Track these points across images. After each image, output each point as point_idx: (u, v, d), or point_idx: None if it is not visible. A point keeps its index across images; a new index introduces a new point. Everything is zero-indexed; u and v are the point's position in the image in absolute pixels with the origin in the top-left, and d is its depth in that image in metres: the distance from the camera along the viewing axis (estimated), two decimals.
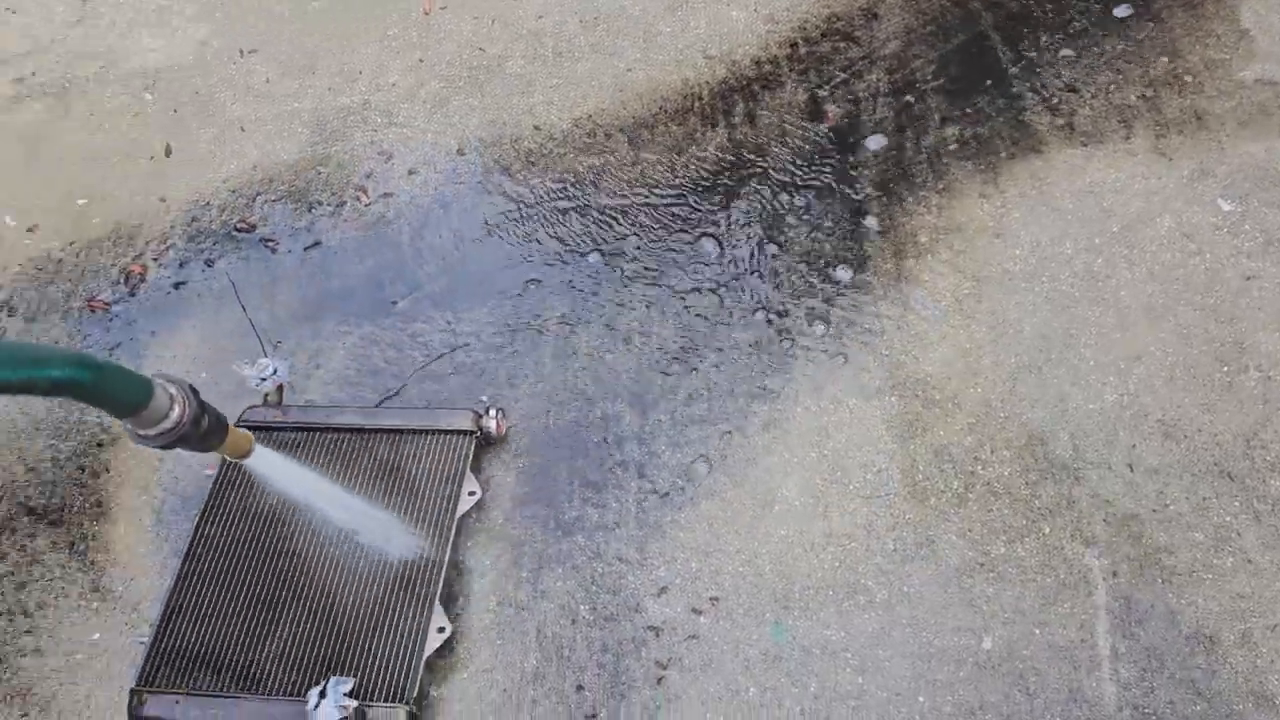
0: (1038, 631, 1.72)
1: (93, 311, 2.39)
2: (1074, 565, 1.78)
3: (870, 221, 2.27)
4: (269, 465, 1.58)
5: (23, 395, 0.71)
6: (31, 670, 1.90)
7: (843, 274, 2.20)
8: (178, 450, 1.25)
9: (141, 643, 1.86)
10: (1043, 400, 1.97)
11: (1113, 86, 2.42)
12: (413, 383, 2.16)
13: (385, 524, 1.86)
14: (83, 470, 2.14)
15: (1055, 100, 2.42)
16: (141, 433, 1.18)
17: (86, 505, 2.09)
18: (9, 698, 1.87)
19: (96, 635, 1.92)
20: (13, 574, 2.02)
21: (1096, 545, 1.79)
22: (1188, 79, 2.40)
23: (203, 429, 1.24)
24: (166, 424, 1.17)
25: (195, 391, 1.24)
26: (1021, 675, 1.68)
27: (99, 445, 2.17)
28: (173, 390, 1.19)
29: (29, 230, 2.57)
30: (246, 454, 1.49)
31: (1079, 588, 1.76)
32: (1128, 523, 1.81)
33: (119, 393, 1.04)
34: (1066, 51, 2.50)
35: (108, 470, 2.13)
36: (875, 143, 2.41)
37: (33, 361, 0.82)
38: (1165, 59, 2.44)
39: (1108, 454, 1.89)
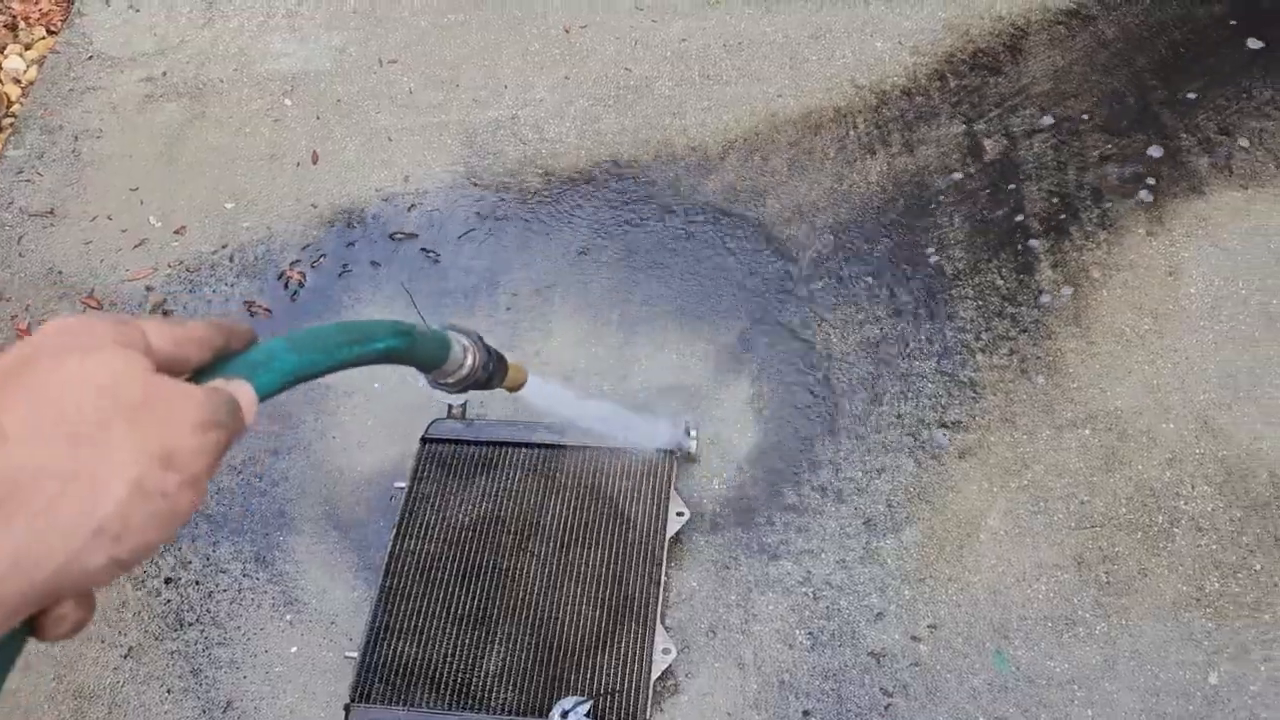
0: (1263, 667, 1.74)
1: (252, 315, 2.35)
2: None
3: (1041, 255, 2.30)
4: (540, 393, 1.59)
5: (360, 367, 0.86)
6: (229, 683, 1.86)
7: (1019, 309, 2.22)
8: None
9: (349, 657, 1.83)
10: (1236, 438, 2.00)
11: (1264, 131, 2.47)
12: (594, 400, 2.15)
13: (654, 424, 1.96)
14: (260, 478, 2.10)
15: (1211, 142, 2.46)
16: (442, 381, 1.27)
17: (268, 514, 2.05)
18: (210, 710, 1.83)
19: (294, 649, 1.89)
20: (199, 583, 1.98)
21: None
22: None
23: (489, 371, 1.34)
24: (463, 372, 1.26)
25: (480, 338, 1.33)
26: (1252, 711, 1.70)
27: (274, 453, 2.14)
28: (465, 341, 1.29)
29: (176, 232, 2.53)
30: (521, 385, 1.54)
31: None
32: None
33: (428, 351, 1.14)
34: (1215, 95, 2.55)
35: (286, 479, 2.10)
36: (1036, 179, 2.44)
37: (366, 337, 0.92)
38: None
39: None
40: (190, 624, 1.93)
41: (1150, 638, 1.79)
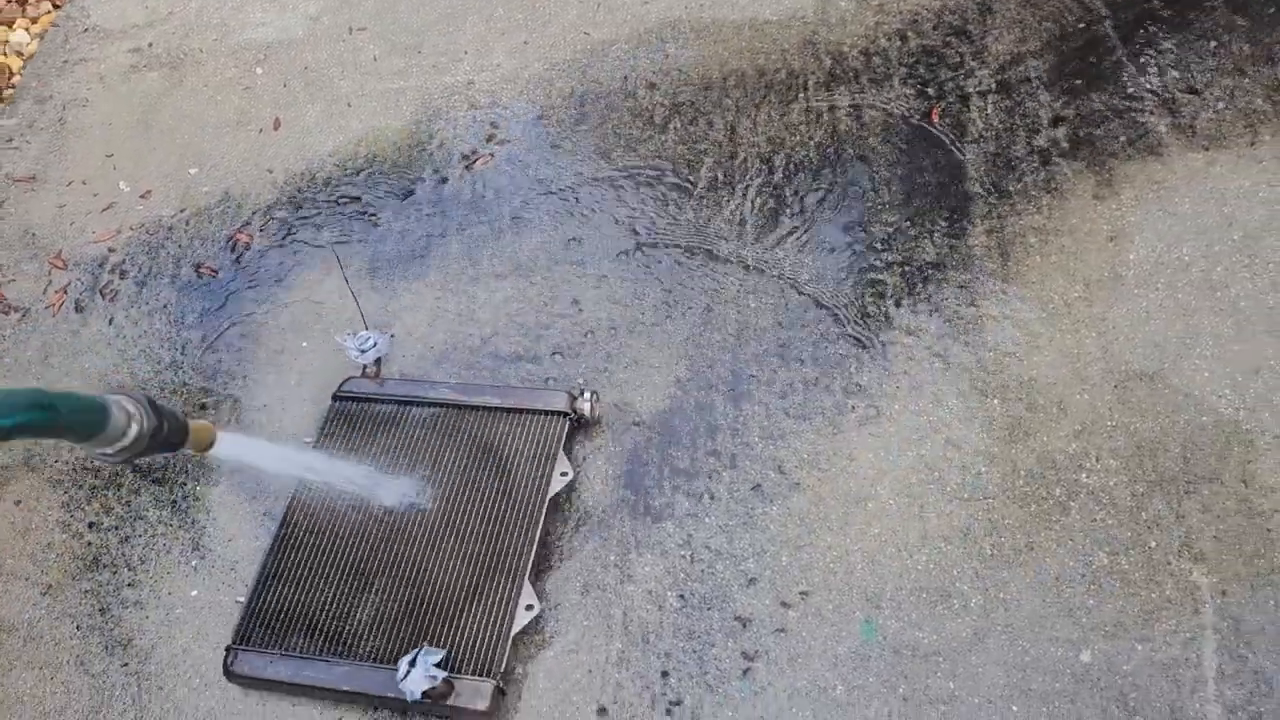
0: (1140, 647, 1.67)
1: (200, 277, 2.45)
2: (1180, 581, 1.72)
3: (976, 220, 2.22)
4: (236, 448, 1.56)
5: None
6: (132, 622, 1.96)
7: (946, 273, 2.15)
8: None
9: (239, 602, 1.91)
10: (1153, 411, 1.91)
11: (1237, 90, 2.33)
12: (509, 362, 2.18)
13: (365, 476, 1.93)
14: None
15: (1175, 102, 2.33)
16: (101, 452, 1.16)
17: (189, 465, 2.14)
18: (111, 647, 1.93)
19: (195, 592, 1.98)
20: (117, 528, 2.08)
21: (1205, 562, 1.73)
22: None
23: (161, 438, 1.22)
24: (125, 441, 1.15)
25: (152, 402, 1.21)
26: (1121, 691, 1.63)
27: (201, 407, 2.23)
28: (129, 407, 1.17)
29: (142, 196, 2.65)
30: (211, 445, 1.44)
31: (1184, 605, 1.69)
32: (1240, 541, 1.74)
33: (77, 423, 1.03)
34: (1187, 52, 2.41)
35: None
36: (979, 141, 2.35)
37: None
38: None
39: (1220, 468, 1.82)
40: (105, 565, 2.03)
41: (1027, 612, 1.73)
